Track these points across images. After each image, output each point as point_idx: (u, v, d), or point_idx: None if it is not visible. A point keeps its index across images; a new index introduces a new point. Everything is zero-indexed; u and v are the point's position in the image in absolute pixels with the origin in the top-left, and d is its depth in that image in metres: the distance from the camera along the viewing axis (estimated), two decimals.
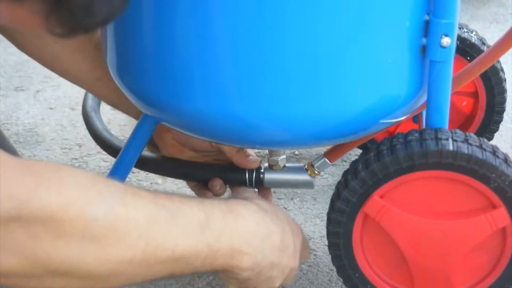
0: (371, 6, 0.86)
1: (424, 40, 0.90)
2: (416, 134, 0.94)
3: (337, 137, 0.98)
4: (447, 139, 0.93)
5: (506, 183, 0.92)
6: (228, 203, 0.83)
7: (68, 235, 0.68)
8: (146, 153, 1.14)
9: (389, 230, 0.97)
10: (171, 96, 0.93)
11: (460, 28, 1.30)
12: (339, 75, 0.89)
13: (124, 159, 1.07)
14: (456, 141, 0.93)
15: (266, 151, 1.14)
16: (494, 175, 0.92)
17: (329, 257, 1.02)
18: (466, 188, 0.94)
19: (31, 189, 0.66)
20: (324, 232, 1.06)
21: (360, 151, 1.40)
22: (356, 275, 1.00)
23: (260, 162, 1.13)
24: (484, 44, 1.31)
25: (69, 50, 1.08)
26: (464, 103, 1.37)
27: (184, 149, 1.15)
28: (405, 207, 0.96)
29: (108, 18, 0.68)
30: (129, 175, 1.21)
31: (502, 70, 1.32)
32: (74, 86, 1.18)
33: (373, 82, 0.91)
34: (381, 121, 0.96)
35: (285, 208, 1.36)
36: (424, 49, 0.91)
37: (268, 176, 1.12)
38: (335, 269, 1.02)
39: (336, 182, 1.01)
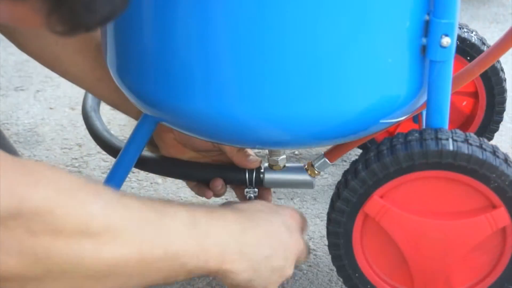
0: (371, 6, 0.86)
1: (424, 40, 0.90)
2: (416, 134, 0.94)
3: (337, 137, 0.98)
4: (447, 139, 0.93)
5: (506, 183, 0.92)
6: (212, 207, 0.84)
7: (67, 232, 0.68)
8: (146, 153, 1.14)
9: (389, 230, 0.97)
10: (171, 96, 0.93)
11: (460, 28, 1.30)
12: (339, 75, 0.89)
13: (124, 159, 1.07)
14: (456, 141, 0.93)
15: (266, 151, 1.14)
16: (494, 175, 0.92)
17: (329, 257, 1.02)
18: (466, 188, 0.94)
19: (31, 186, 0.66)
20: (324, 232, 1.06)
21: (360, 151, 1.40)
22: (356, 275, 1.00)
23: (260, 162, 1.13)
24: (484, 44, 1.31)
25: (70, 51, 1.08)
26: (464, 103, 1.37)
27: (184, 149, 1.15)
28: (405, 207, 0.96)
29: (110, 16, 0.68)
30: (129, 175, 1.21)
31: (502, 70, 1.32)
32: (74, 86, 1.18)
33: (373, 82, 0.91)
34: (381, 121, 0.96)
35: None
36: (424, 49, 0.91)
37: (268, 176, 1.12)
38: (335, 269, 1.02)
39: (336, 182, 1.01)
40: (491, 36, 2.10)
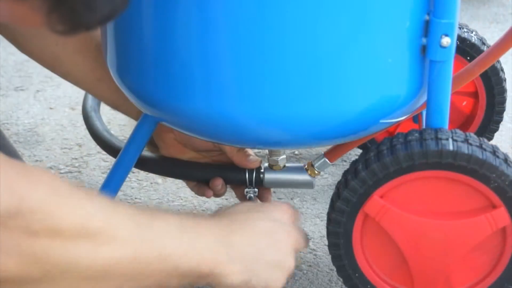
0: (371, 6, 0.86)
1: (424, 40, 0.90)
2: (416, 134, 0.94)
3: (337, 137, 0.98)
4: (447, 139, 0.93)
5: (506, 183, 0.92)
6: (198, 214, 0.84)
7: (65, 232, 0.69)
8: (146, 153, 1.14)
9: (389, 230, 0.97)
10: (171, 96, 0.93)
11: (460, 28, 1.30)
12: (339, 75, 0.89)
13: (124, 159, 1.07)
14: (456, 141, 0.93)
15: (266, 151, 1.14)
16: (494, 175, 0.92)
17: (329, 257, 1.02)
18: (466, 188, 0.94)
19: (30, 186, 0.67)
20: (324, 232, 1.06)
21: (360, 151, 1.40)
22: (356, 275, 1.00)
23: (260, 162, 1.13)
24: (484, 44, 1.31)
25: (70, 51, 1.08)
26: (464, 103, 1.37)
27: (185, 150, 1.15)
28: (405, 207, 0.96)
29: (110, 15, 0.68)
30: (129, 175, 1.21)
31: (502, 70, 1.33)
32: (74, 86, 1.18)
33: (373, 82, 0.91)
34: (381, 121, 0.96)
35: None
36: (424, 49, 0.91)
37: (268, 176, 1.12)
38: (335, 269, 1.02)
39: (336, 182, 1.01)
40: (491, 36, 2.11)
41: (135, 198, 1.39)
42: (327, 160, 1.11)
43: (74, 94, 1.77)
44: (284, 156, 1.12)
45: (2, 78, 1.88)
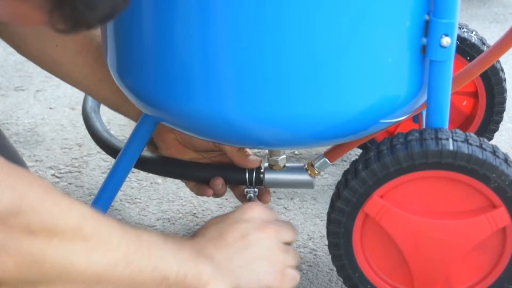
0: (371, 6, 0.86)
1: (424, 40, 0.90)
2: (416, 134, 0.94)
3: (337, 137, 0.98)
4: (447, 139, 0.93)
5: (506, 183, 0.92)
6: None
7: (62, 232, 0.69)
8: (146, 153, 1.14)
9: (389, 230, 0.97)
10: (171, 96, 0.93)
11: (460, 28, 1.30)
12: (339, 75, 0.89)
13: (124, 159, 1.07)
14: (456, 141, 0.93)
15: (266, 151, 1.14)
16: (494, 175, 0.92)
17: (329, 257, 1.02)
18: (466, 188, 0.94)
19: (29, 185, 0.67)
20: (324, 231, 1.06)
21: (360, 151, 1.40)
22: (356, 274, 1.00)
23: (260, 162, 1.13)
24: (484, 44, 1.31)
25: (70, 52, 1.08)
26: (464, 103, 1.37)
27: (185, 150, 1.15)
28: (405, 207, 0.96)
29: (111, 14, 0.68)
30: (129, 175, 1.21)
31: (502, 70, 1.33)
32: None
33: (373, 82, 0.91)
34: (381, 121, 0.96)
35: (285, 208, 1.36)
36: (424, 49, 0.91)
37: (268, 176, 1.12)
38: (335, 269, 1.02)
39: (336, 182, 1.01)
40: (491, 36, 2.11)
41: (135, 198, 1.39)
42: (327, 160, 1.11)
43: (74, 94, 1.77)
44: (284, 156, 1.12)
45: (2, 78, 1.88)
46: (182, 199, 1.38)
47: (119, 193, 1.35)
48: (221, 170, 1.13)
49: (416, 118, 1.28)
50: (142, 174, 1.45)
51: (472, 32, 1.31)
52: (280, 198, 1.39)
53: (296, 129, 0.93)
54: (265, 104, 0.90)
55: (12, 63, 1.95)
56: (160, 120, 1.03)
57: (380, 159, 0.94)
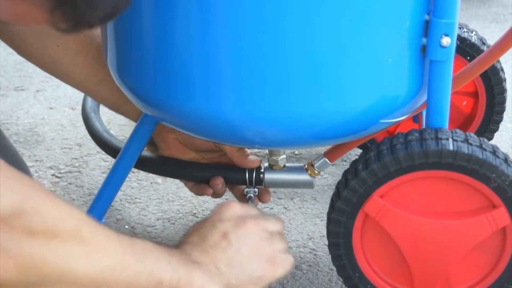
0: (371, 6, 0.86)
1: (424, 40, 0.90)
2: (416, 134, 0.94)
3: (337, 137, 0.98)
4: (447, 139, 0.93)
5: (506, 183, 0.92)
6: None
7: (62, 234, 0.70)
8: (146, 153, 1.14)
9: (389, 230, 0.97)
10: (172, 96, 0.93)
11: (460, 27, 1.30)
12: (339, 75, 0.89)
13: (124, 159, 1.07)
14: (456, 141, 0.93)
15: (266, 151, 1.14)
16: (494, 175, 0.92)
17: (329, 257, 1.02)
18: (466, 188, 0.94)
19: (30, 187, 0.67)
20: (324, 231, 1.06)
21: (360, 151, 1.40)
22: (356, 274, 1.00)
23: (260, 162, 1.13)
24: (484, 44, 1.31)
25: (71, 53, 1.08)
26: (464, 103, 1.37)
27: (186, 150, 1.15)
28: (405, 207, 0.96)
29: (113, 13, 0.68)
30: (129, 175, 1.21)
31: (502, 70, 1.33)
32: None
33: (373, 82, 0.91)
34: (381, 121, 0.96)
35: (285, 208, 1.36)
36: (424, 49, 0.91)
37: (268, 176, 1.12)
38: (335, 269, 1.02)
39: (336, 182, 1.01)
40: (491, 36, 2.11)
41: (135, 198, 1.39)
42: (327, 160, 1.11)
43: (74, 94, 1.78)
44: (284, 156, 1.12)
45: (2, 78, 1.88)
46: (182, 199, 1.38)
47: (119, 193, 1.35)
48: (221, 170, 1.13)
49: (416, 118, 1.28)
50: (142, 174, 1.45)
51: (472, 32, 1.31)
52: (280, 198, 1.39)
53: (296, 129, 0.93)
54: (265, 104, 0.90)
55: (12, 63, 1.95)
56: (160, 120, 1.03)
57: (380, 159, 0.94)
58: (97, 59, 1.08)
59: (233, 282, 0.84)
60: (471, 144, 0.92)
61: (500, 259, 0.98)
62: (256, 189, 1.13)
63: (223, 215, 0.90)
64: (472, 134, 0.95)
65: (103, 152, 1.26)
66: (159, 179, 1.44)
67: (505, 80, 1.33)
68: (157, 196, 1.40)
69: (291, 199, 1.39)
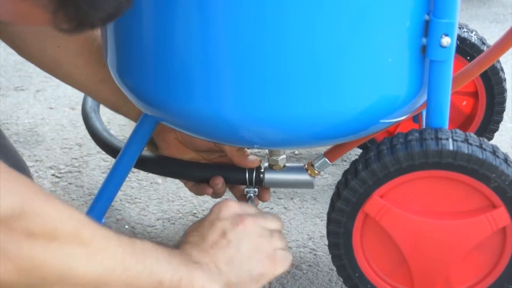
0: (371, 6, 0.86)
1: (424, 40, 0.90)
2: (416, 134, 0.94)
3: (337, 137, 0.98)
4: (447, 139, 0.93)
5: (506, 183, 0.92)
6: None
7: (62, 236, 0.70)
8: (146, 153, 1.14)
9: (389, 230, 0.97)
10: (171, 96, 0.93)
11: (460, 27, 1.30)
12: (339, 75, 0.89)
13: (124, 159, 1.07)
14: (456, 140, 0.93)
15: (266, 151, 1.14)
16: (494, 175, 0.92)
17: (329, 256, 1.02)
18: (466, 188, 0.94)
19: (30, 189, 0.67)
20: (324, 231, 1.06)
21: (360, 151, 1.40)
22: (356, 274, 1.00)
23: (260, 161, 1.13)
24: (484, 43, 1.31)
25: (72, 53, 1.08)
26: (464, 103, 1.37)
27: (186, 150, 1.15)
28: (405, 207, 0.96)
29: (115, 13, 0.68)
30: (129, 175, 1.21)
31: (502, 70, 1.33)
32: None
33: (373, 82, 0.91)
34: (381, 121, 0.96)
35: (285, 208, 1.36)
36: (424, 49, 0.91)
37: (268, 176, 1.12)
38: (335, 269, 1.02)
39: (336, 182, 1.01)
40: (491, 36, 2.11)
41: (135, 198, 1.39)
42: (327, 160, 1.11)
43: (74, 94, 1.78)
44: (284, 156, 1.12)
45: (2, 78, 1.88)
46: (182, 199, 1.38)
47: (119, 193, 1.35)
48: (221, 170, 1.13)
49: (416, 118, 1.28)
50: (142, 174, 1.45)
51: (472, 32, 1.31)
52: (280, 198, 1.39)
53: (296, 129, 0.93)
54: (265, 104, 0.90)
55: (12, 63, 1.95)
56: (160, 120, 1.03)
57: (380, 159, 0.94)
58: (97, 59, 1.08)
59: (234, 281, 0.84)
60: (471, 144, 0.92)
61: (500, 259, 0.98)
62: (256, 189, 1.13)
63: (221, 213, 0.90)
64: (472, 134, 0.95)
65: (103, 152, 1.26)
66: (159, 179, 1.44)
67: (505, 80, 1.33)
68: (157, 196, 1.40)
69: (291, 199, 1.39)
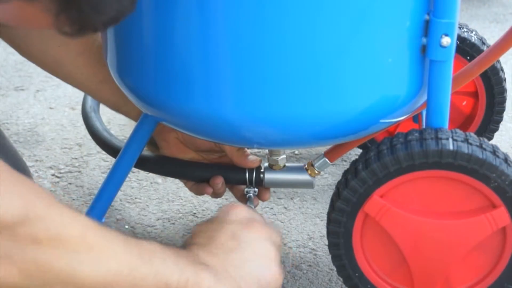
0: (371, 6, 0.86)
1: (424, 40, 0.90)
2: (416, 134, 0.94)
3: (337, 137, 0.98)
4: (447, 139, 0.93)
5: (506, 182, 0.93)
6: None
7: (67, 241, 0.69)
8: (146, 152, 1.14)
9: (389, 230, 0.97)
10: (171, 96, 0.93)
11: (460, 27, 1.30)
12: (339, 75, 0.89)
13: (124, 159, 1.07)
14: (456, 140, 0.93)
15: (266, 151, 1.14)
16: (494, 175, 0.92)
17: (329, 256, 1.02)
18: (466, 188, 0.94)
19: (34, 193, 0.67)
20: (324, 231, 1.06)
21: (360, 150, 1.40)
22: (356, 274, 1.00)
23: (260, 161, 1.13)
24: (484, 43, 1.31)
25: (73, 53, 1.08)
26: (464, 103, 1.37)
27: (186, 149, 1.15)
28: (405, 207, 0.96)
29: (117, 17, 0.68)
30: (129, 175, 1.21)
31: (502, 70, 1.33)
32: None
33: (373, 82, 0.91)
34: (381, 120, 0.96)
35: (285, 208, 1.36)
36: (424, 49, 0.91)
37: (268, 176, 1.12)
38: (335, 269, 1.02)
39: (336, 182, 1.01)
40: (491, 35, 2.11)
41: (135, 198, 1.39)
42: (327, 160, 1.11)
43: (74, 94, 1.78)
44: (284, 156, 1.12)
45: (2, 78, 1.88)
46: (182, 199, 1.38)
47: (119, 193, 1.35)
48: (221, 170, 1.13)
49: (416, 118, 1.28)
50: (142, 174, 1.45)
51: (472, 32, 1.31)
52: (280, 198, 1.39)
53: (296, 129, 0.93)
54: (265, 104, 0.90)
55: (12, 63, 1.96)
56: (160, 120, 1.03)
57: (380, 159, 0.94)
58: (98, 59, 1.08)
59: (242, 285, 0.83)
60: (471, 144, 0.92)
61: (500, 259, 0.98)
62: (256, 189, 1.13)
63: (231, 216, 0.89)
64: (472, 134, 0.95)
65: (103, 152, 1.26)
66: (159, 179, 1.44)
67: (505, 80, 1.33)
68: (157, 196, 1.40)
69: (291, 199, 1.39)
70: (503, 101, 1.35)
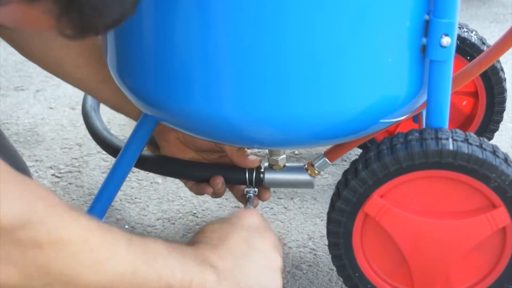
0: (371, 6, 0.86)
1: (424, 40, 0.90)
2: (416, 134, 0.94)
3: (337, 137, 0.98)
4: (447, 139, 0.93)
5: (506, 182, 0.93)
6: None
7: (69, 244, 0.69)
8: (146, 152, 1.14)
9: (389, 230, 0.97)
10: (171, 96, 0.93)
11: (460, 27, 1.30)
12: (339, 75, 0.89)
13: (124, 159, 1.07)
14: (456, 140, 0.93)
15: (266, 151, 1.14)
16: (494, 175, 0.92)
17: (329, 256, 1.02)
18: (466, 188, 0.94)
19: (36, 196, 0.67)
20: (324, 231, 1.06)
21: (360, 150, 1.40)
22: (356, 274, 1.00)
23: (260, 161, 1.13)
24: (484, 43, 1.31)
25: (74, 54, 1.08)
26: (464, 103, 1.38)
27: (187, 149, 1.15)
28: (405, 207, 0.96)
29: (119, 20, 0.68)
30: (129, 175, 1.21)
31: (502, 69, 1.33)
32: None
33: (373, 82, 0.91)
34: (381, 120, 0.96)
35: (285, 208, 1.36)
36: (424, 49, 0.91)
37: (268, 176, 1.12)
38: (335, 269, 1.02)
39: (336, 182, 1.01)
40: (491, 35, 2.11)
41: (135, 198, 1.39)
42: (327, 159, 1.11)
43: (74, 94, 1.78)
44: (284, 156, 1.12)
45: (2, 78, 1.88)
46: (182, 199, 1.38)
47: (119, 193, 1.35)
48: (221, 169, 1.13)
49: (416, 118, 1.28)
50: (142, 173, 1.45)
51: (472, 32, 1.31)
52: (280, 198, 1.39)
53: (296, 129, 0.93)
54: (265, 104, 0.90)
55: (12, 63, 1.96)
56: (160, 120, 1.03)
57: (380, 159, 0.94)
58: (98, 59, 1.08)
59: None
60: (471, 144, 0.92)
61: (500, 259, 0.98)
62: (256, 189, 1.13)
63: (244, 221, 0.88)
64: (472, 134, 0.95)
65: (103, 152, 1.26)
66: (159, 178, 1.44)
67: (505, 80, 1.33)
68: (157, 196, 1.40)
69: (291, 199, 1.39)
70: (503, 101, 1.35)
